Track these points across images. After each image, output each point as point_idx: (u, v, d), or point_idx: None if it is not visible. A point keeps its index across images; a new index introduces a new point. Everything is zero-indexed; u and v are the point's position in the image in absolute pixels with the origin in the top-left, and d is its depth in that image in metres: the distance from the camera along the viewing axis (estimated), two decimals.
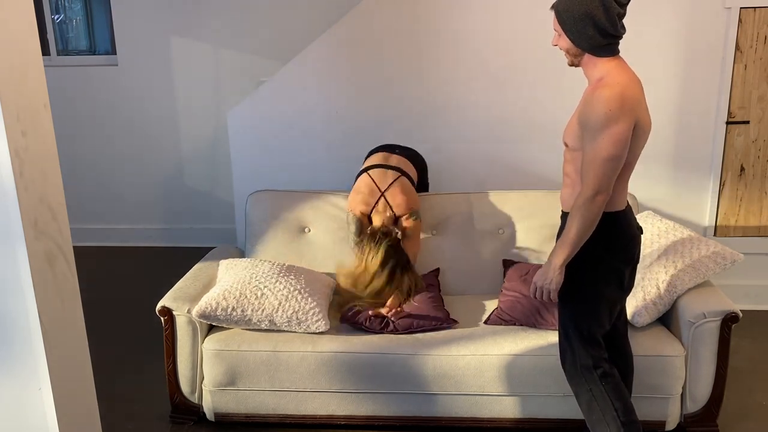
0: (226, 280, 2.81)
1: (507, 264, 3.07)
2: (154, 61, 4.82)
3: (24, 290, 1.68)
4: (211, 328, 2.81)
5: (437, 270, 3.12)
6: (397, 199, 2.98)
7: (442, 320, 2.76)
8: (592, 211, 2.05)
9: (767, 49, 3.55)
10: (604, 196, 2.05)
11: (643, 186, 3.55)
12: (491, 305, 2.93)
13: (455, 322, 2.78)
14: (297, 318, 2.69)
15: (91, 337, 1.98)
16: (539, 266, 2.82)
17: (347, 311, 2.81)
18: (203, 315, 2.67)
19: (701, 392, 2.65)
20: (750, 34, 3.52)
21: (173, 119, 4.91)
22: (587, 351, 2.24)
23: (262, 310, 2.69)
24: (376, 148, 3.31)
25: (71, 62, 4.99)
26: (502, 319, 2.78)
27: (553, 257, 2.14)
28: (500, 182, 3.67)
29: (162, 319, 2.71)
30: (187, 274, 3.02)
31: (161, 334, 2.73)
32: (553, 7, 2.12)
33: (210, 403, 2.77)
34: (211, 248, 3.38)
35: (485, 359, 2.61)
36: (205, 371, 2.73)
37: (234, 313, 2.68)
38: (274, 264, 2.91)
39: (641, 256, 2.64)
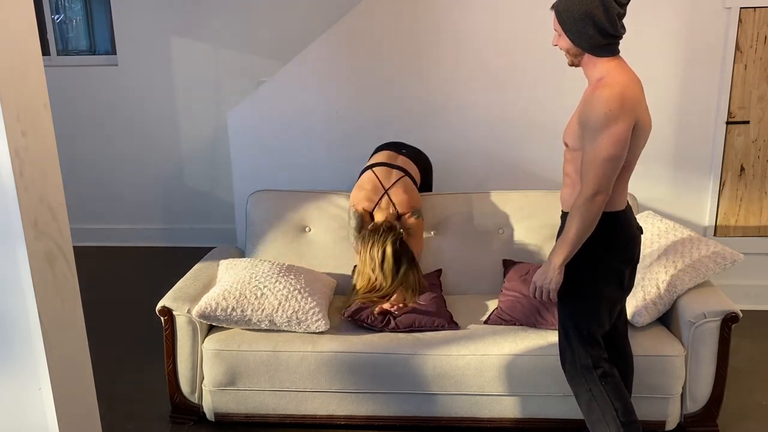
0: (226, 280, 2.81)
1: (507, 264, 3.07)
2: (154, 61, 4.82)
3: (24, 290, 1.68)
4: (211, 328, 2.81)
5: (439, 271, 3.12)
6: (399, 197, 2.98)
7: (444, 322, 2.76)
8: (592, 211, 2.05)
9: (767, 49, 3.55)
10: (604, 196, 2.05)
11: (643, 186, 3.54)
12: (491, 305, 2.93)
13: (457, 325, 2.77)
14: (297, 318, 2.69)
15: (91, 337, 1.98)
16: (539, 266, 2.82)
17: (349, 308, 2.81)
18: (203, 315, 2.67)
19: (701, 392, 2.65)
20: (750, 34, 3.52)
21: (173, 119, 4.91)
22: (587, 351, 2.24)
23: (262, 310, 2.69)
24: (384, 145, 3.32)
25: (71, 62, 4.99)
26: (502, 319, 2.78)
27: (552, 257, 2.14)
28: (500, 182, 3.67)
29: (162, 319, 2.71)
30: (187, 274, 3.02)
31: (161, 334, 2.73)
32: (553, 7, 2.12)
33: (210, 403, 2.77)
34: (211, 248, 3.38)
35: (485, 359, 2.61)
36: (205, 371, 2.73)
37: (234, 313, 2.68)
38: (273, 264, 2.91)
39: (641, 256, 2.64)
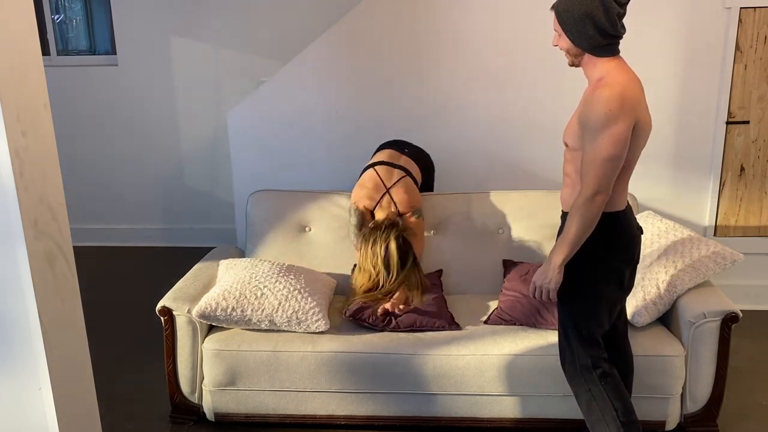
0: (225, 280, 2.81)
1: (507, 264, 3.07)
2: (154, 61, 4.82)
3: (24, 290, 1.68)
4: (211, 328, 2.81)
5: (440, 271, 3.12)
6: (400, 196, 2.98)
7: (445, 323, 2.76)
8: (592, 211, 2.05)
9: (767, 49, 3.55)
10: (604, 196, 2.05)
11: (643, 186, 3.54)
12: (491, 305, 2.93)
13: (459, 326, 2.77)
14: (297, 318, 2.69)
15: (91, 337, 1.98)
16: (539, 266, 2.82)
17: (350, 308, 2.80)
18: (203, 315, 2.67)
19: (701, 392, 2.65)
20: (750, 34, 3.52)
21: (173, 119, 4.91)
22: (586, 351, 2.24)
23: (262, 310, 2.69)
24: (387, 143, 3.32)
25: (71, 62, 4.99)
26: (502, 319, 2.78)
27: (552, 256, 2.14)
28: (500, 182, 3.67)
29: (162, 319, 2.71)
30: (187, 274, 3.02)
31: (161, 334, 2.73)
32: (554, 7, 2.12)
33: (210, 403, 2.77)
34: (211, 248, 3.38)
35: (485, 359, 2.61)
36: (205, 371, 2.73)
37: (234, 313, 2.68)
38: (273, 264, 2.91)
39: (641, 256, 2.64)
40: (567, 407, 2.61)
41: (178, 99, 4.87)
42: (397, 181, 3.01)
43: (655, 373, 2.58)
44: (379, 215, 2.98)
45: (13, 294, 1.69)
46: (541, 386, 2.62)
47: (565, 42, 2.11)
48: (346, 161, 3.72)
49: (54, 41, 4.99)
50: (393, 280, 2.81)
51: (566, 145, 2.19)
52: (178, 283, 2.90)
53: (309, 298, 2.73)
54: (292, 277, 2.81)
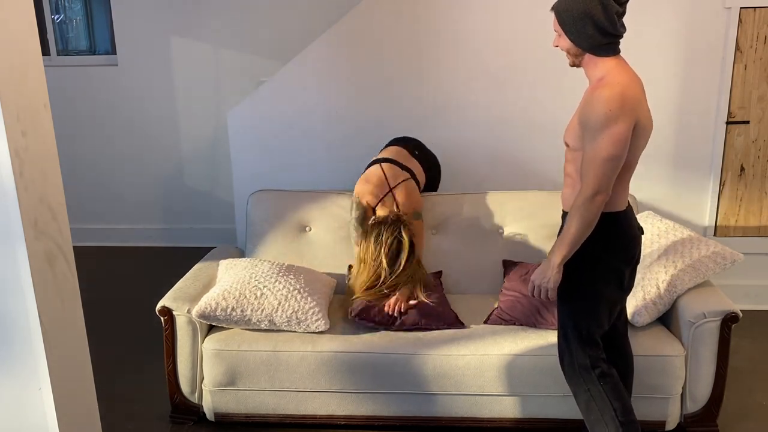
0: (225, 280, 2.81)
1: (507, 264, 3.07)
2: (154, 61, 4.82)
3: (24, 290, 1.68)
4: (211, 328, 2.81)
5: (440, 272, 3.12)
6: (401, 198, 2.99)
7: (450, 322, 2.77)
8: (591, 211, 2.05)
9: (767, 49, 3.55)
10: (604, 196, 2.05)
11: (643, 186, 3.55)
12: (491, 305, 2.93)
13: (463, 324, 2.77)
14: (297, 318, 2.69)
15: (91, 337, 1.98)
16: (539, 266, 2.82)
17: (354, 308, 2.79)
18: (203, 315, 2.67)
19: (701, 392, 2.65)
20: (750, 34, 3.52)
21: (173, 119, 4.91)
22: (585, 351, 2.24)
23: (262, 310, 2.69)
24: (400, 139, 3.34)
25: (71, 62, 4.99)
26: (502, 319, 2.78)
27: (551, 256, 2.14)
28: (500, 182, 3.67)
29: (162, 319, 2.71)
30: (187, 274, 3.02)
31: (161, 334, 2.73)
32: (553, 8, 2.12)
33: (210, 403, 2.77)
34: (211, 248, 3.38)
35: (485, 359, 2.61)
36: (205, 371, 2.73)
37: (234, 313, 2.68)
38: (273, 264, 2.91)
39: (641, 256, 2.64)
40: (567, 407, 2.61)
41: (178, 99, 4.87)
42: (401, 182, 3.02)
43: (655, 373, 2.58)
44: (381, 212, 2.99)
45: (13, 294, 1.69)
46: (541, 386, 2.62)
47: (566, 42, 2.11)
48: (346, 161, 3.72)
49: (54, 41, 4.99)
50: (399, 271, 2.78)
51: (567, 145, 2.19)
52: (178, 283, 2.90)
53: (309, 298, 2.73)
54: (291, 276, 2.81)
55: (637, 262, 2.28)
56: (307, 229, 3.23)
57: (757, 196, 3.74)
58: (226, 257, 3.13)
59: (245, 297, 2.70)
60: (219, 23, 4.69)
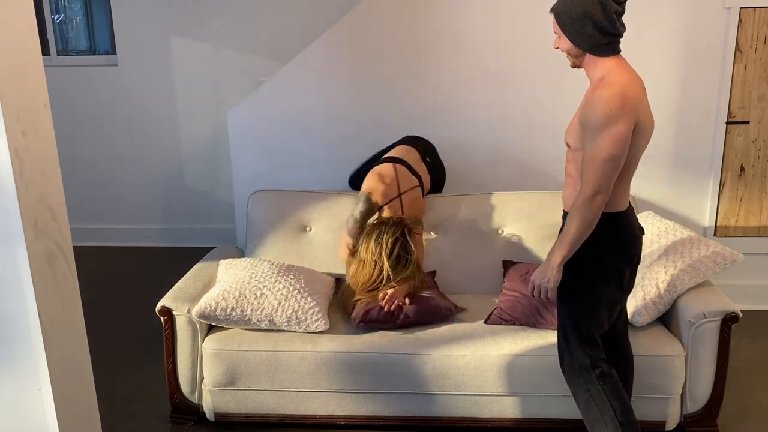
0: (225, 280, 2.81)
1: (507, 264, 3.07)
2: (154, 61, 4.82)
3: (24, 290, 1.68)
4: (211, 328, 2.81)
5: (434, 272, 3.11)
6: (408, 204, 3.01)
7: (451, 306, 2.81)
8: (591, 211, 2.05)
9: (767, 49, 3.54)
10: (604, 196, 2.04)
11: (643, 186, 3.55)
12: (491, 305, 2.92)
13: (464, 309, 2.83)
14: (296, 317, 2.69)
15: (91, 337, 1.98)
16: (539, 266, 2.82)
17: (357, 314, 2.77)
18: (203, 315, 2.67)
19: (701, 392, 2.65)
20: (750, 34, 3.52)
21: (173, 119, 4.91)
22: (584, 351, 2.24)
23: (262, 310, 2.69)
24: (414, 139, 3.35)
25: (71, 62, 4.99)
26: (502, 319, 2.78)
27: (551, 256, 2.14)
28: (500, 182, 3.67)
29: (162, 319, 2.71)
30: (187, 274, 3.02)
31: (161, 334, 2.73)
32: (552, 10, 2.12)
33: (210, 403, 2.78)
34: (211, 248, 3.38)
35: (485, 359, 2.61)
36: (205, 371, 2.73)
37: (233, 313, 2.68)
38: (273, 264, 2.91)
39: (641, 256, 2.64)
40: (567, 407, 2.61)
41: (178, 99, 4.87)
42: (411, 189, 3.03)
43: (655, 373, 2.58)
44: (386, 213, 2.99)
45: (13, 294, 1.69)
46: (541, 386, 2.62)
47: (566, 43, 2.11)
48: (346, 161, 3.71)
49: (54, 41, 4.99)
50: (405, 268, 2.79)
51: (568, 145, 2.19)
52: (178, 283, 2.90)
53: (309, 298, 2.73)
54: (291, 276, 2.81)
55: (638, 262, 2.28)
56: (307, 229, 3.23)
57: (757, 196, 3.74)
58: (226, 257, 3.13)
59: (245, 297, 2.70)
60: (219, 23, 4.69)
